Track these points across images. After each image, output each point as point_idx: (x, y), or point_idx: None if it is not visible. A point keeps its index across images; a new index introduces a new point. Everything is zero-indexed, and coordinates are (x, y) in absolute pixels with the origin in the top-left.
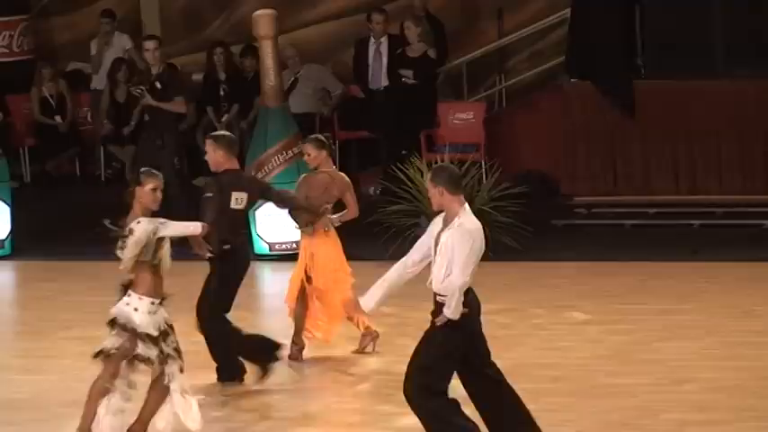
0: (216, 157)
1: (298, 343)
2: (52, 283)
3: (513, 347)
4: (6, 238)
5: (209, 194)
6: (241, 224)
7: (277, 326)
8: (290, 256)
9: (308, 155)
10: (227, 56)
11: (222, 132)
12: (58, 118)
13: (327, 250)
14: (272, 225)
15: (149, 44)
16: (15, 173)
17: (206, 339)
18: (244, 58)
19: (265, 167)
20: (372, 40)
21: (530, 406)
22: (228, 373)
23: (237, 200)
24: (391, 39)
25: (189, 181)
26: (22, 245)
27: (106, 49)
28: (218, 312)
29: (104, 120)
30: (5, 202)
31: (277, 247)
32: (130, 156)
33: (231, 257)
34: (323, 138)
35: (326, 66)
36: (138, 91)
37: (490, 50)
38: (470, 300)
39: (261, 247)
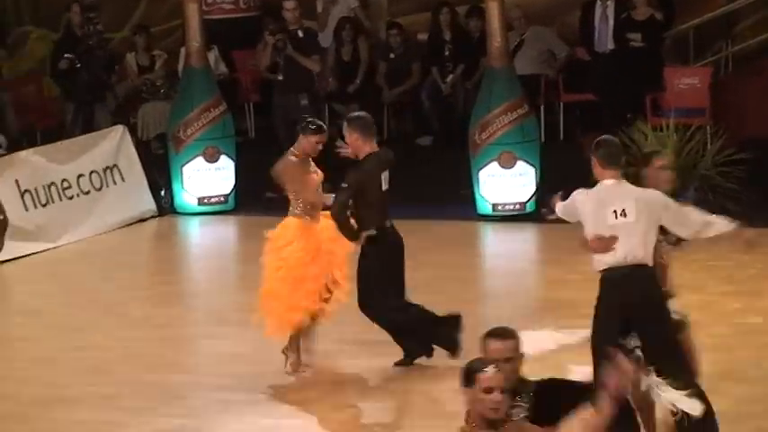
0: (352, 140)
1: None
2: None
3: None
4: (230, 193)
5: (345, 185)
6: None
7: (497, 284)
8: (512, 217)
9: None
10: (452, 16)
11: (357, 114)
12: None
13: None
14: (496, 185)
15: (289, 4)
16: (240, 128)
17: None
18: (469, 18)
19: (489, 129)
20: (599, 2)
21: None
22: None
23: (385, 180)
24: (618, 1)
25: (412, 140)
26: (245, 200)
27: (332, 7)
28: (388, 298)
29: (330, 77)
30: (230, 156)
31: (500, 207)
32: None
33: (388, 240)
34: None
35: (552, 28)
36: (281, 42)
37: (717, 16)
38: None
39: (484, 207)
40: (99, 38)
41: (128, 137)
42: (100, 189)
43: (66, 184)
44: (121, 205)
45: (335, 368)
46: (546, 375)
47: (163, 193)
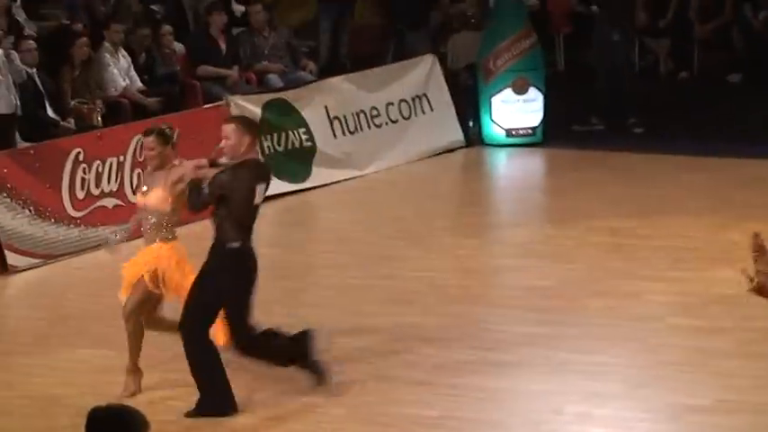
0: (238, 141)
1: None
2: (578, 172)
3: None
4: (538, 125)
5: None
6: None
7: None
8: (525, 144)
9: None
10: None
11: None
12: (594, 7)
13: None
14: (508, 111)
15: None
16: (550, 60)
17: None
18: None
19: None
20: None
21: None
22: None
23: (260, 194)
24: None
25: (722, 77)
26: (553, 133)
27: None
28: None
29: (641, 11)
30: (539, 89)
31: (513, 132)
32: (666, 48)
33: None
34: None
35: None
36: None
37: None
38: None
39: (496, 134)
40: None
41: (438, 66)
42: (408, 118)
43: (374, 112)
44: (429, 135)
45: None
46: None
47: (471, 123)
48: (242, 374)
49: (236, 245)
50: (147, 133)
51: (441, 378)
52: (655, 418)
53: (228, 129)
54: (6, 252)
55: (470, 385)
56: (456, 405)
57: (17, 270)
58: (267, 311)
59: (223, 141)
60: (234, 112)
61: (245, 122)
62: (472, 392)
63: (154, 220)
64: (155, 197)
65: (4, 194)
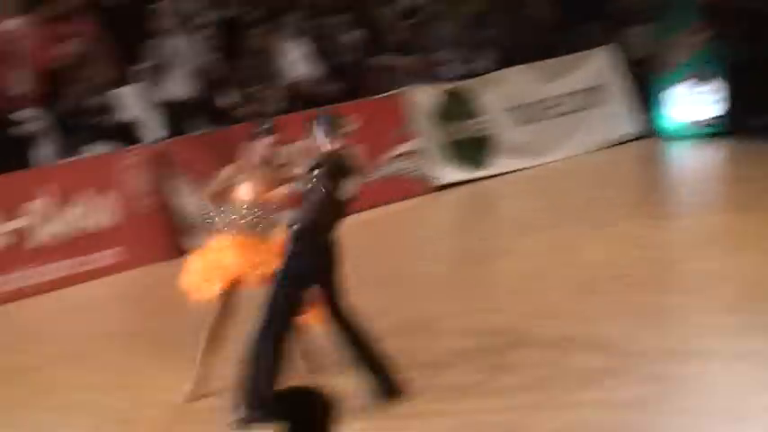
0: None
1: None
2: (762, 164)
3: None
4: (719, 116)
5: None
6: None
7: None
8: (704, 134)
9: None
10: None
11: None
12: None
13: None
14: (685, 103)
15: None
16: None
17: None
18: None
19: None
20: None
21: None
22: None
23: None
24: None
25: None
26: (734, 125)
27: None
28: None
29: None
30: (720, 80)
31: (691, 124)
32: None
33: None
34: None
35: None
36: None
37: None
38: None
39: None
40: None
41: (614, 58)
42: (585, 109)
43: (551, 103)
44: (606, 126)
45: None
46: None
47: (648, 115)
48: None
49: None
50: (267, 131)
51: (636, 367)
52: None
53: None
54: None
55: (667, 374)
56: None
57: None
58: (456, 297)
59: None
60: (411, 101)
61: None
62: (670, 381)
63: (267, 215)
64: (279, 193)
65: (184, 177)
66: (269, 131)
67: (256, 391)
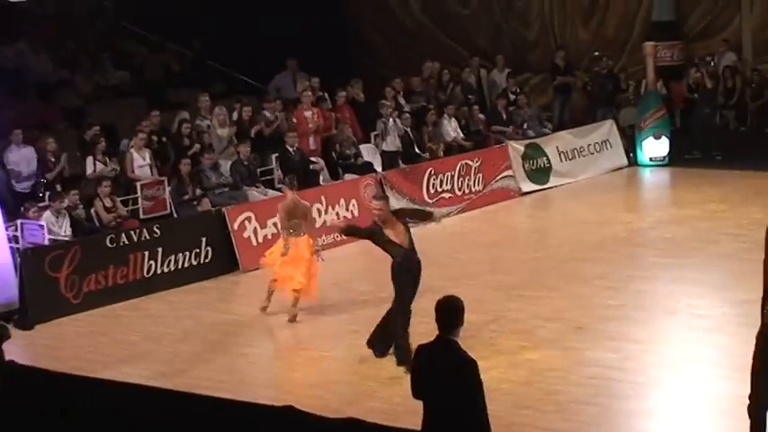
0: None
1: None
2: (700, 185)
3: None
4: (666, 155)
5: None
6: None
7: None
8: (660, 165)
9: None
10: None
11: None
12: (695, 95)
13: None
14: (650, 148)
15: None
16: (672, 121)
17: None
18: None
19: None
20: None
21: None
22: None
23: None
24: None
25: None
26: (677, 159)
27: None
28: None
29: (720, 96)
30: (667, 137)
31: (653, 159)
32: (733, 114)
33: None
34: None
35: None
36: None
37: None
38: None
39: (644, 160)
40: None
41: (614, 127)
42: (599, 152)
43: (582, 149)
44: (609, 160)
45: None
46: None
47: (631, 155)
48: None
49: (398, 259)
50: (377, 198)
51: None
52: None
53: (380, 203)
54: None
55: None
56: None
57: None
58: (533, 280)
59: (377, 211)
60: (511, 150)
61: (387, 200)
62: None
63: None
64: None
65: (393, 191)
66: (291, 183)
67: (396, 337)
